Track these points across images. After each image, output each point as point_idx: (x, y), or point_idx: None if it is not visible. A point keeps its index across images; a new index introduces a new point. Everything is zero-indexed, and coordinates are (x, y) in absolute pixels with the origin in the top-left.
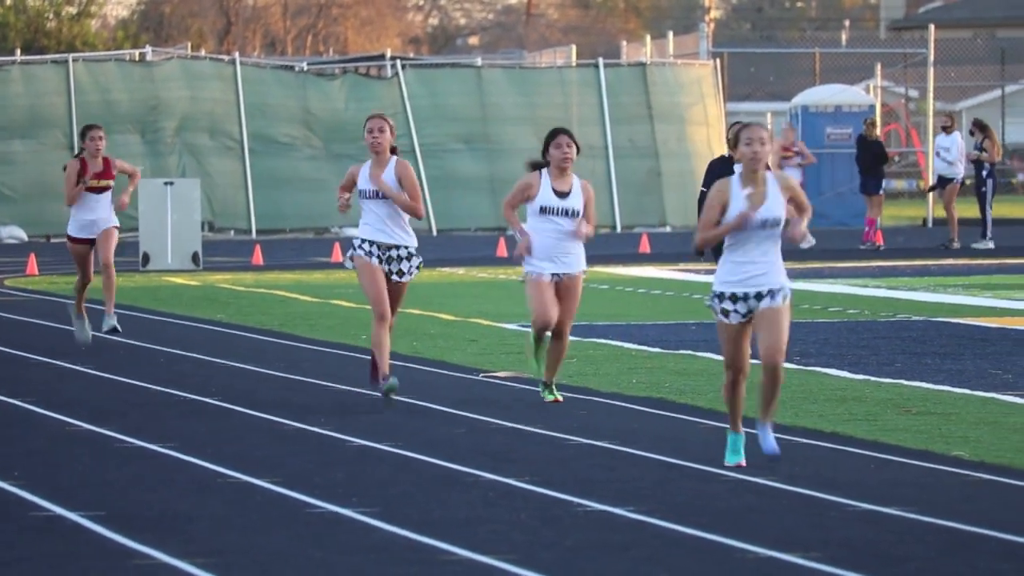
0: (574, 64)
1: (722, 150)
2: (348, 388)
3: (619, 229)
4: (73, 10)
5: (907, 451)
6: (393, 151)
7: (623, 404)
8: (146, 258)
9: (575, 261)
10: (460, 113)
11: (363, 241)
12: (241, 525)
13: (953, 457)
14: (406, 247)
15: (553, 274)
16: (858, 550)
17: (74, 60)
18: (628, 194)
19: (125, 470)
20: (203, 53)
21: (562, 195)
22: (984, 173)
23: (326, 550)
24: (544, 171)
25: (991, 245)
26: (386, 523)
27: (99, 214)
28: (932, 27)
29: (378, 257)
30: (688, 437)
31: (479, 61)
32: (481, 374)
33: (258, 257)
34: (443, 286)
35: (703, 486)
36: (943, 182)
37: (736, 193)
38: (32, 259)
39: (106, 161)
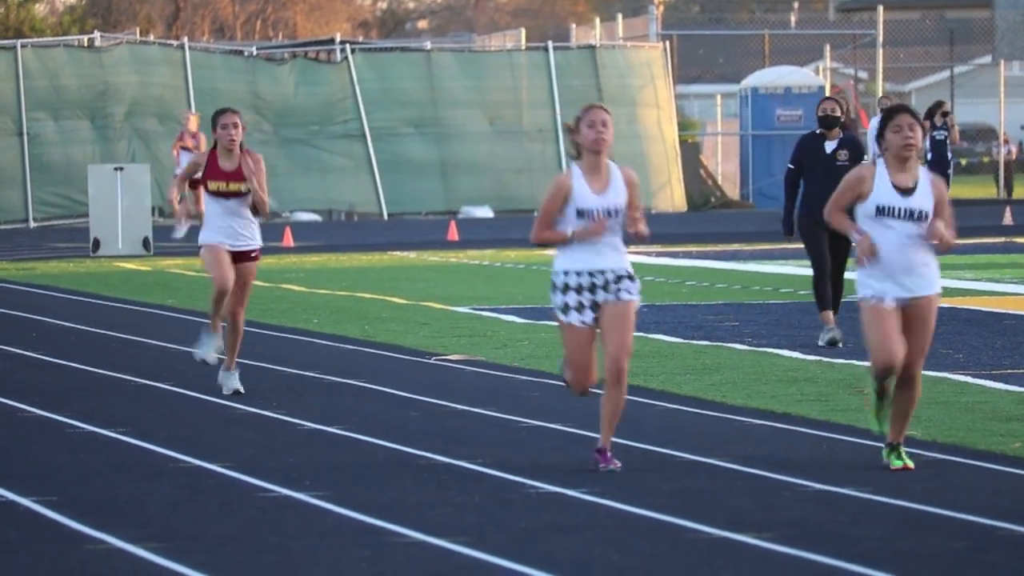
0: (524, 47)
1: (672, 132)
2: (300, 372)
3: None
4: None
5: (859, 431)
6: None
7: None
8: (96, 244)
9: (927, 279)
10: (410, 97)
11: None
12: (193, 510)
13: (906, 437)
14: None
15: (898, 298)
16: (811, 530)
17: (22, 46)
18: None
19: (77, 456)
20: (152, 38)
21: (905, 192)
22: (949, 155)
23: (279, 534)
24: (880, 161)
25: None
26: (339, 506)
27: (239, 223)
28: (881, 8)
29: None
30: (640, 419)
31: (428, 45)
32: (433, 358)
33: None
34: (394, 270)
35: (655, 467)
36: None
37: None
38: None
39: (243, 156)
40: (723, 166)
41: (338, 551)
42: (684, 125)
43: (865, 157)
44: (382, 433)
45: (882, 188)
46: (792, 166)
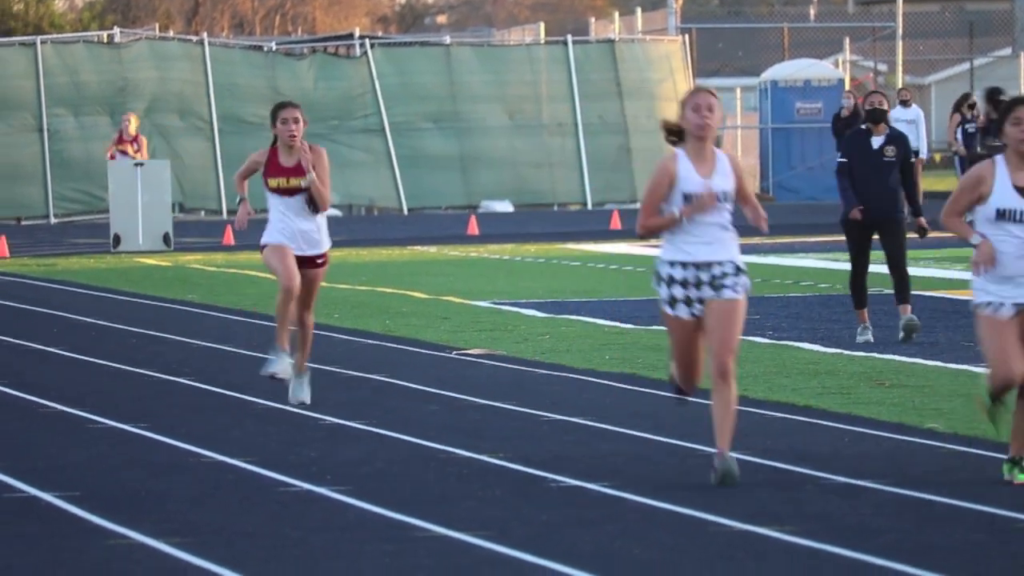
0: (543, 41)
1: None
2: (320, 367)
3: (590, 206)
4: None
5: (881, 424)
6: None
7: (596, 380)
8: (117, 239)
9: None
10: (429, 92)
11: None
12: (215, 505)
13: (927, 429)
14: None
15: (1017, 304)
16: (833, 523)
17: (42, 42)
18: (598, 171)
19: (99, 451)
20: (171, 34)
21: None
22: (977, 149)
23: (300, 529)
24: (999, 158)
25: None
26: (360, 501)
27: (304, 224)
28: (900, 1)
29: None
30: (661, 412)
31: (448, 39)
32: (454, 352)
33: (229, 237)
34: (415, 264)
35: (677, 461)
36: None
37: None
38: (3, 241)
39: (307, 153)
40: (743, 159)
41: (360, 546)
42: None
43: (920, 153)
44: (403, 428)
45: (1002, 189)
46: (843, 159)
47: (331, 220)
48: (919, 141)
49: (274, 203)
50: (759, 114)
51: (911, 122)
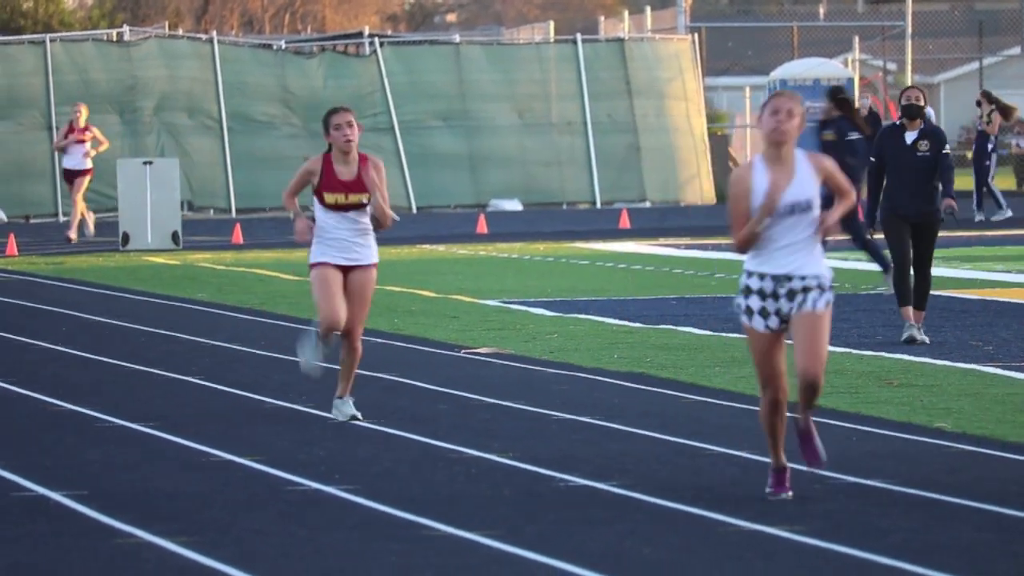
0: (552, 40)
1: (700, 125)
2: (329, 366)
3: (599, 204)
4: None
5: (889, 423)
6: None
7: (605, 379)
8: (126, 238)
9: None
10: (439, 90)
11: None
12: (223, 503)
13: (935, 429)
14: None
15: None
16: (841, 523)
17: (51, 40)
18: (607, 169)
19: (107, 449)
20: (180, 32)
21: None
22: (989, 146)
23: (309, 528)
24: None
25: (1010, 213)
26: (369, 500)
27: (355, 237)
28: (909, 0)
29: None
30: (670, 412)
31: (457, 38)
32: (462, 351)
33: (238, 236)
34: (423, 263)
35: (686, 460)
36: None
37: None
38: (11, 239)
39: (363, 163)
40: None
41: (368, 545)
42: (713, 117)
43: (947, 148)
44: (412, 426)
45: None
46: (875, 160)
47: None
48: None
49: (324, 216)
50: None
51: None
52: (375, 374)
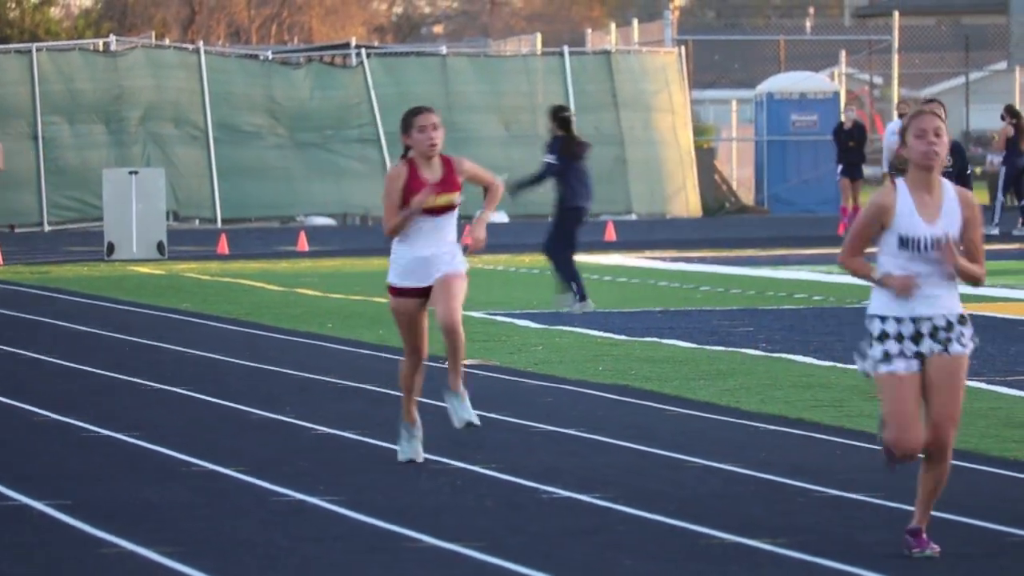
0: (539, 52)
1: (687, 137)
2: (313, 376)
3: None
4: None
5: (873, 437)
6: None
7: (589, 391)
8: (111, 247)
9: None
10: (425, 101)
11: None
12: (207, 513)
13: None
14: None
15: None
16: (825, 536)
17: (37, 49)
18: (594, 182)
19: (92, 459)
20: (167, 42)
21: None
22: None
23: (292, 538)
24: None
25: (995, 231)
26: (352, 511)
27: (436, 248)
28: (896, 14)
29: None
30: (654, 424)
31: (444, 49)
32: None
33: (223, 246)
34: None
35: (669, 473)
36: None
37: None
38: None
39: (447, 164)
40: (738, 171)
41: (352, 556)
42: (699, 130)
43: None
44: (396, 438)
45: None
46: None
47: (326, 229)
48: None
49: (412, 225)
50: (755, 126)
51: None
52: (360, 385)
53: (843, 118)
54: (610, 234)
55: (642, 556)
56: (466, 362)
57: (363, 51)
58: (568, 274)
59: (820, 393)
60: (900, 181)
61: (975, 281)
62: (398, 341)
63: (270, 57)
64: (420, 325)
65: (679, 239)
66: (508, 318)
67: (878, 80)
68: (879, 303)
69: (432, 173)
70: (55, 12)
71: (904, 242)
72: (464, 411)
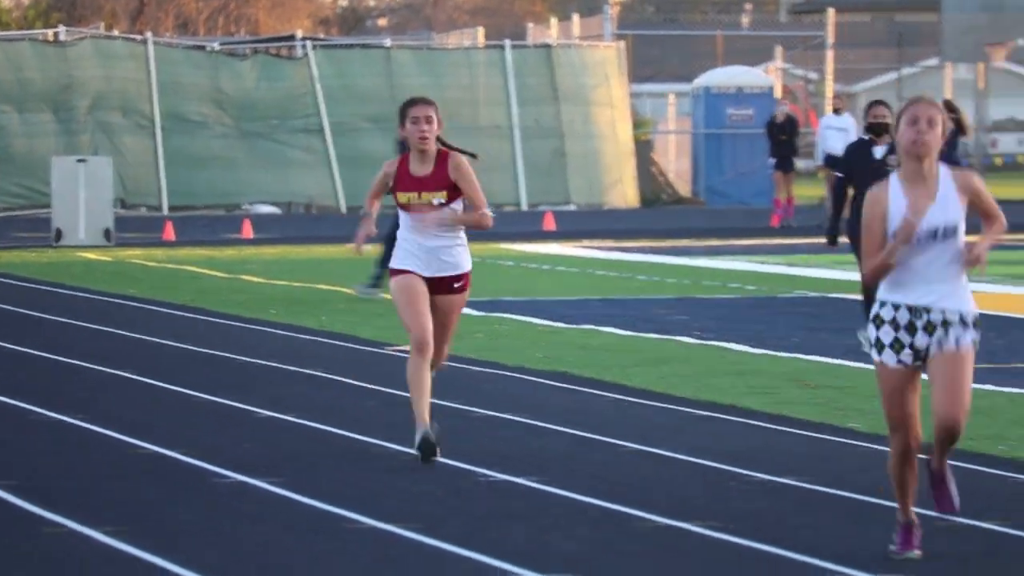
0: (481, 45)
1: (625, 130)
2: (256, 361)
3: (524, 207)
4: None
5: (805, 423)
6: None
7: (528, 377)
8: (59, 234)
9: None
10: (369, 93)
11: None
12: (152, 495)
13: (848, 429)
14: None
15: None
16: (756, 519)
17: None
18: (533, 173)
19: (37, 441)
20: (116, 33)
21: None
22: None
23: (234, 519)
24: None
25: None
26: (294, 493)
27: (440, 240)
28: (831, 11)
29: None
30: (590, 409)
31: (388, 42)
32: (388, 348)
33: (170, 233)
34: (351, 262)
35: (605, 457)
36: (834, 161)
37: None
38: None
39: (442, 159)
40: (675, 164)
41: (293, 536)
42: (637, 123)
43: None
44: (337, 421)
45: None
46: (842, 176)
47: (270, 217)
48: None
49: (403, 218)
50: (692, 119)
51: (843, 129)
52: (302, 369)
53: (776, 112)
54: (549, 224)
55: (578, 538)
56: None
57: (308, 43)
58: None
59: (753, 380)
60: (893, 176)
61: (1000, 232)
62: (342, 326)
63: (217, 48)
64: (420, 300)
65: (617, 229)
66: None
67: (813, 75)
68: (884, 287)
69: (423, 167)
70: (5, 2)
71: (895, 236)
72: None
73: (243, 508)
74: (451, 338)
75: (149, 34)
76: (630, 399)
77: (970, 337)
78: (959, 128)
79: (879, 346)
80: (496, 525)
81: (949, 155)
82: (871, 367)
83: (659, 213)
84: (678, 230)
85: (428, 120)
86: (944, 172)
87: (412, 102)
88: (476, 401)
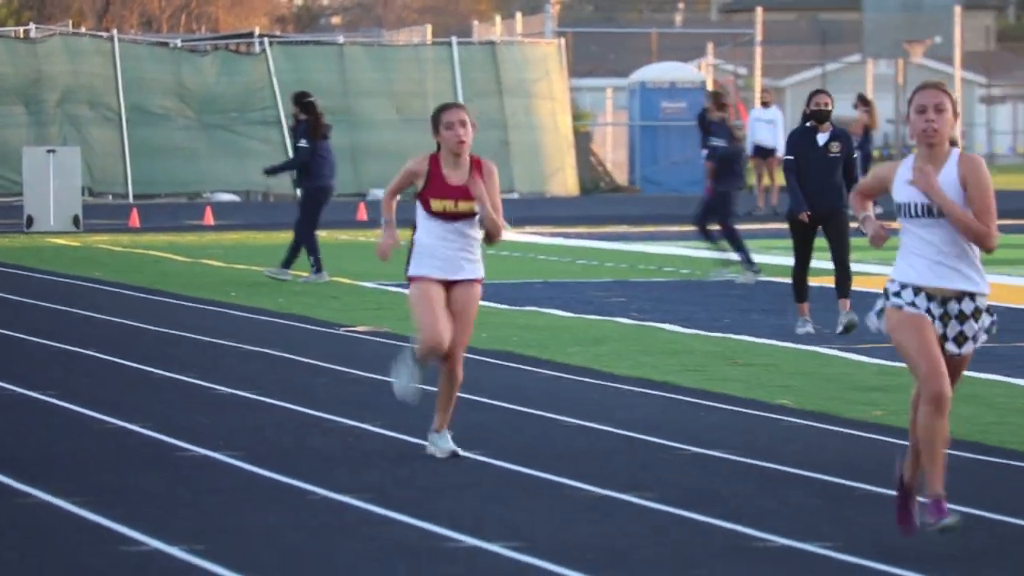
0: (429, 42)
1: (566, 122)
2: (216, 340)
3: None
4: None
5: (733, 399)
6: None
7: (473, 356)
8: (30, 220)
9: None
10: (323, 87)
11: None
12: (116, 466)
13: (775, 404)
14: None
15: None
16: (686, 489)
17: None
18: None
19: (6, 416)
20: (83, 30)
21: None
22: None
23: (195, 490)
24: None
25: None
26: (252, 465)
27: (458, 249)
28: (759, 10)
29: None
30: (530, 386)
31: (341, 39)
32: (342, 329)
33: (135, 220)
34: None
35: (543, 430)
36: (763, 152)
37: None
38: None
39: (475, 166)
40: (612, 154)
41: (250, 505)
42: (577, 116)
43: (777, 151)
44: (293, 398)
45: None
46: (791, 157)
47: (230, 205)
48: (776, 140)
49: (427, 223)
50: (628, 112)
51: (771, 122)
52: (259, 348)
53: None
54: None
55: (516, 508)
56: (360, 328)
57: (266, 40)
58: (312, 248)
59: (685, 359)
60: (910, 156)
61: (981, 241)
62: (299, 307)
63: (179, 45)
64: (438, 304)
65: (558, 216)
66: (398, 288)
67: (742, 71)
68: (898, 268)
69: (459, 174)
70: None
71: (899, 208)
72: (445, 443)
73: (204, 479)
74: (467, 340)
75: (115, 31)
76: (568, 376)
77: (983, 328)
78: (869, 121)
79: (897, 297)
80: (441, 495)
81: (863, 146)
82: (798, 346)
83: (598, 200)
84: (616, 217)
85: (463, 124)
86: (955, 156)
87: (445, 107)
88: (425, 378)
